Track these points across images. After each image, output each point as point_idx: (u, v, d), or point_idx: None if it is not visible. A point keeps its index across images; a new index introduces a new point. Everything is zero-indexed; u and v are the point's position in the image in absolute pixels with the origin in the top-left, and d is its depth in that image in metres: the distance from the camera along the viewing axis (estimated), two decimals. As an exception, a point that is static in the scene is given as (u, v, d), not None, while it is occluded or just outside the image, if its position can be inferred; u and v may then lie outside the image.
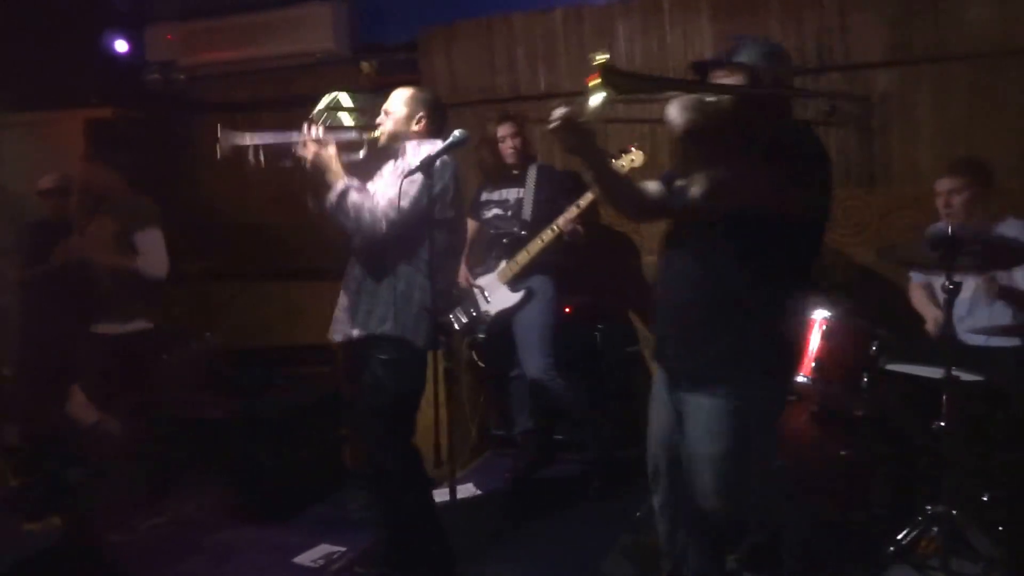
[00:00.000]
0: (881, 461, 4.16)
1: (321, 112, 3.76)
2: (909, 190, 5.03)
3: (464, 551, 3.89)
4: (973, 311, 4.21)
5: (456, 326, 5.05)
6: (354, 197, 3.46)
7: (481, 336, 5.15)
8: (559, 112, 2.64)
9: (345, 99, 3.93)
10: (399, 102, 3.70)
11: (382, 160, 3.69)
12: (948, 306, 3.62)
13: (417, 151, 3.51)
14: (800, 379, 3.90)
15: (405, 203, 3.41)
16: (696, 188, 2.56)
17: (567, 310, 5.31)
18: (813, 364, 3.90)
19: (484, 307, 5.05)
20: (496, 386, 5.55)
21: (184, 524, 4.65)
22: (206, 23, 6.58)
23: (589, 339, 5.38)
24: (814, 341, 3.93)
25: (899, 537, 3.71)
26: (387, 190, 3.46)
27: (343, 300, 3.71)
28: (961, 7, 4.88)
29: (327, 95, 3.91)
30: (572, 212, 4.84)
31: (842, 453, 3.99)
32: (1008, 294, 4.05)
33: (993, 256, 3.65)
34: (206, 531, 4.57)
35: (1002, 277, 4.07)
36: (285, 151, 3.54)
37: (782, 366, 2.85)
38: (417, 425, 3.74)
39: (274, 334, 6.47)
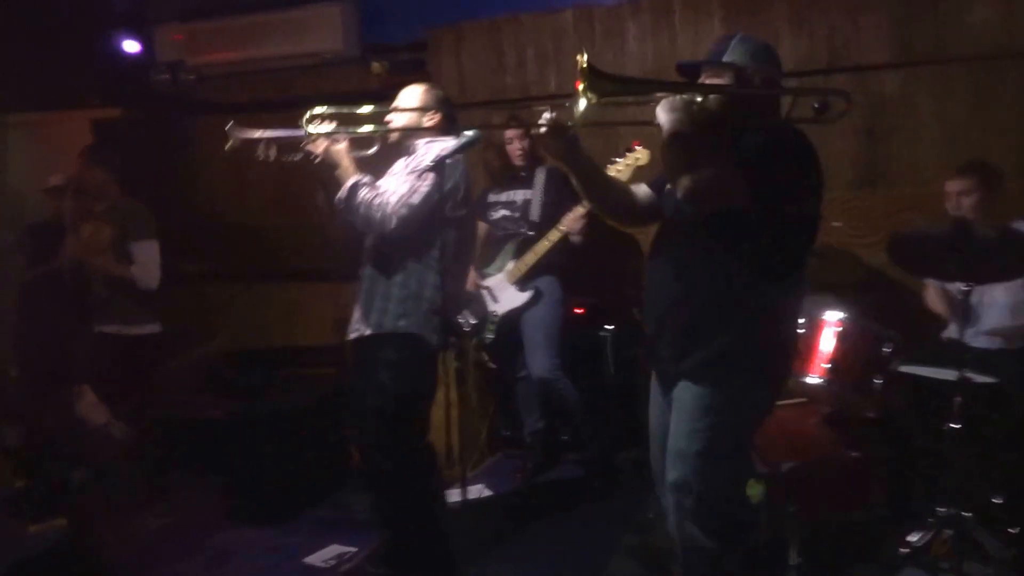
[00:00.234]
0: (893, 463, 4.14)
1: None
2: (911, 191, 5.05)
3: (466, 552, 3.88)
4: (988, 313, 4.20)
5: (465, 327, 5.04)
6: (365, 193, 3.39)
7: (490, 337, 5.13)
8: (545, 118, 2.65)
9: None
10: (411, 98, 3.65)
11: (393, 156, 3.64)
12: (962, 307, 3.61)
13: (429, 148, 3.48)
14: (812, 380, 3.88)
15: (417, 200, 3.37)
16: (681, 190, 2.54)
17: (574, 311, 5.32)
18: (826, 366, 3.88)
19: (492, 307, 5.05)
20: (505, 387, 5.53)
21: (185, 525, 4.62)
22: (214, 23, 6.59)
23: (595, 340, 5.38)
24: (826, 342, 3.91)
25: (910, 539, 3.69)
26: (398, 187, 3.41)
27: (358, 299, 3.65)
28: (964, 9, 4.90)
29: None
30: (578, 212, 4.83)
31: (854, 455, 3.96)
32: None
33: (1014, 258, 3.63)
34: (207, 532, 4.55)
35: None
36: (295, 146, 3.49)
37: (770, 368, 2.81)
38: (431, 424, 3.72)
39: (274, 335, 6.47)
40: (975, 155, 4.48)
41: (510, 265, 5.04)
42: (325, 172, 3.48)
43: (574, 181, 2.93)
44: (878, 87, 5.16)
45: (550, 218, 4.97)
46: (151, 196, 5.10)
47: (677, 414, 2.80)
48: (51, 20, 6.11)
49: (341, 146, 3.44)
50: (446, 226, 3.47)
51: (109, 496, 4.66)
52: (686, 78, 2.89)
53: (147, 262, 4.96)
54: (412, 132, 3.60)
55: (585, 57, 2.44)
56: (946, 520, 3.66)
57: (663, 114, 2.59)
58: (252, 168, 3.45)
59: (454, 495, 4.26)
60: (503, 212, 5.20)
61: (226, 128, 3.52)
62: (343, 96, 4.88)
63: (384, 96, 3.63)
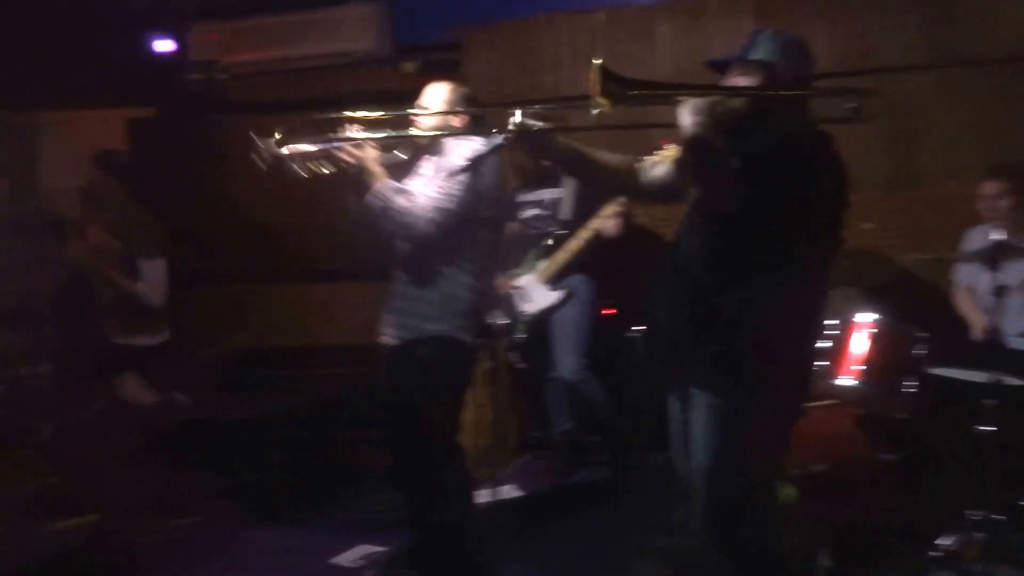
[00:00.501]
0: (924, 465, 4.12)
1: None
2: (943, 191, 5.02)
3: (494, 552, 3.86)
4: (1021, 315, 4.17)
5: (497, 327, 5.03)
6: (394, 197, 3.34)
7: (521, 337, 5.14)
8: (512, 122, 2.68)
9: None
10: (438, 98, 3.57)
11: (420, 157, 3.57)
12: (995, 309, 3.59)
13: (457, 148, 3.44)
14: (844, 382, 3.87)
15: (449, 203, 3.34)
16: (691, 199, 2.53)
17: (604, 312, 5.30)
18: (858, 367, 3.87)
19: (524, 307, 5.06)
20: (535, 387, 5.54)
21: (204, 526, 4.61)
22: (248, 23, 6.61)
23: (623, 342, 5.33)
24: (858, 344, 3.90)
25: (941, 542, 3.67)
26: (428, 189, 3.38)
27: (389, 303, 3.61)
28: (996, 11, 4.87)
29: None
30: (609, 210, 4.83)
31: (885, 457, 3.95)
32: None
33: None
34: (225, 532, 4.55)
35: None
36: (324, 154, 3.37)
37: (783, 373, 2.68)
38: (461, 425, 3.72)
39: (303, 334, 6.50)
40: (1007, 157, 4.45)
41: (542, 264, 5.05)
42: (353, 178, 3.41)
43: (563, 172, 2.89)
44: (910, 88, 5.13)
45: (581, 217, 4.98)
46: (182, 196, 5.10)
47: (694, 426, 2.74)
48: (85, 19, 6.15)
49: (369, 151, 3.37)
50: (478, 227, 3.46)
51: (131, 495, 4.66)
52: (715, 75, 2.83)
53: (154, 281, 4.93)
54: (440, 132, 3.53)
55: (599, 62, 2.40)
56: (977, 523, 3.64)
57: (685, 116, 2.49)
58: (285, 168, 3.39)
59: (484, 495, 4.28)
60: (534, 211, 5.21)
61: (253, 145, 3.39)
62: (374, 95, 4.88)
63: (416, 96, 3.60)
